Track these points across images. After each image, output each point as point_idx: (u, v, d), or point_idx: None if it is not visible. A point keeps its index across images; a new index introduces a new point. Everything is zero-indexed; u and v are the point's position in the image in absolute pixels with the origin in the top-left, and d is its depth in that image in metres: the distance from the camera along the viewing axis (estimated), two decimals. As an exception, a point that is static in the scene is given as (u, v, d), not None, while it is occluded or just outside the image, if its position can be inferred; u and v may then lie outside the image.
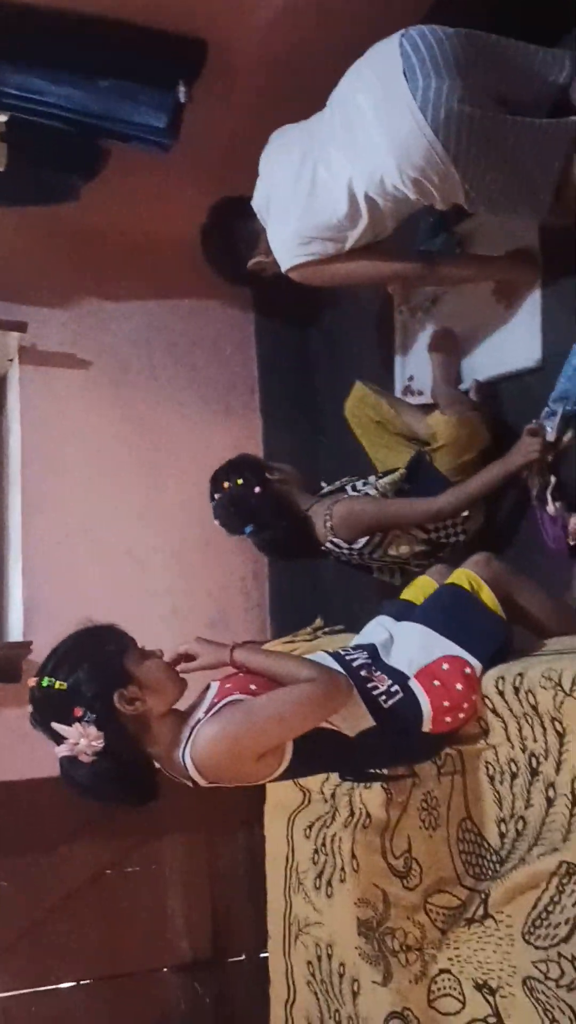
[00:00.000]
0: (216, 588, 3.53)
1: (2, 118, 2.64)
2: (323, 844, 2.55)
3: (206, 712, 1.81)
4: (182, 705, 1.90)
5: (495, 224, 2.62)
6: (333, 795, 2.56)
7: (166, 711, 1.85)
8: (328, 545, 2.63)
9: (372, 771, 2.24)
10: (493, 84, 2.12)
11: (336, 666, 1.98)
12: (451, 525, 2.56)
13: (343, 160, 2.26)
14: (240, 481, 2.62)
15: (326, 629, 3.00)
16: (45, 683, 1.79)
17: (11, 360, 3.38)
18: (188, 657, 1.96)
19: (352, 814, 2.45)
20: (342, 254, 2.41)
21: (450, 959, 2.05)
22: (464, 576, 2.10)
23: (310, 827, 2.62)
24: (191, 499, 3.45)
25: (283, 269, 2.51)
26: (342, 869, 2.44)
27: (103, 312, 3.48)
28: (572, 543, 2.27)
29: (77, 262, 3.44)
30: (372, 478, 2.68)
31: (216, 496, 2.68)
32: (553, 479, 2.30)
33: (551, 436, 2.30)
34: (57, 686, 1.77)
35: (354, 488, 2.69)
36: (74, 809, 3.23)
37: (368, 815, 2.39)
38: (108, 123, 2.69)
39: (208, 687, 1.91)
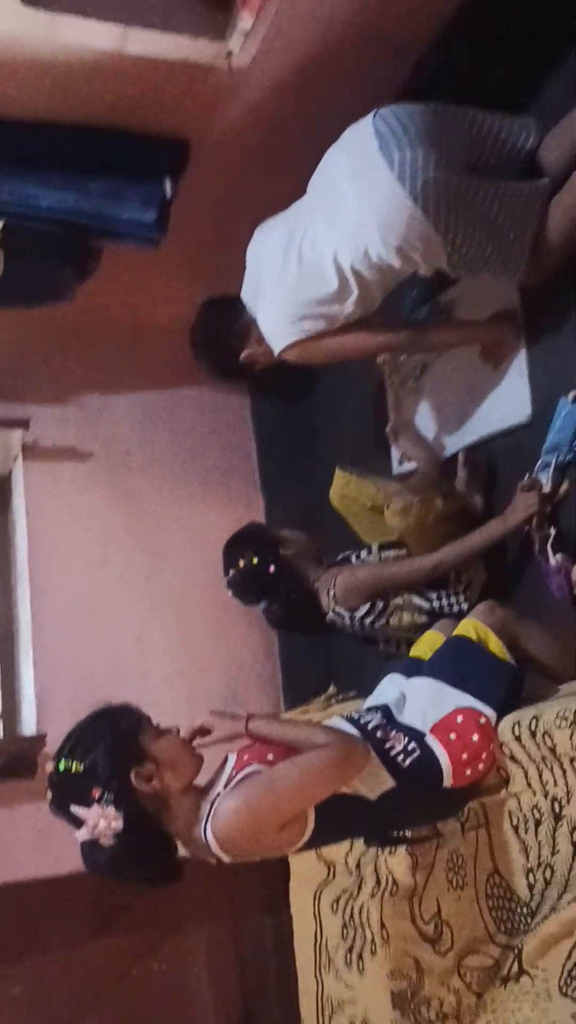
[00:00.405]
0: (227, 666, 3.52)
1: (-2, 224, 2.76)
2: (351, 917, 2.49)
3: (225, 785, 1.82)
4: (200, 781, 1.90)
5: (476, 290, 2.71)
6: (358, 865, 2.52)
7: (184, 788, 1.85)
8: (331, 615, 2.65)
9: (397, 834, 2.22)
10: (464, 152, 2.22)
11: (352, 730, 1.99)
12: (453, 594, 2.58)
13: (326, 236, 2.35)
14: (255, 560, 2.66)
15: (339, 696, 3.00)
16: (62, 766, 1.81)
17: (15, 458, 3.45)
18: (203, 731, 1.97)
19: (379, 883, 2.41)
20: (333, 329, 2.48)
21: (488, 1023, 1.99)
22: (470, 626, 2.12)
23: (336, 901, 2.57)
24: (197, 581, 3.49)
25: (277, 351, 2.56)
26: (372, 941, 2.38)
27: (102, 404, 3.56)
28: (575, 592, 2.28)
29: (75, 358, 3.54)
30: (375, 548, 2.73)
31: (230, 572, 2.72)
32: (553, 530, 2.33)
33: (547, 488, 2.34)
34: (74, 768, 1.79)
35: (357, 557, 2.74)
36: (94, 907, 3.18)
37: (395, 882, 2.35)
38: (99, 222, 2.78)
39: (225, 760, 1.91)
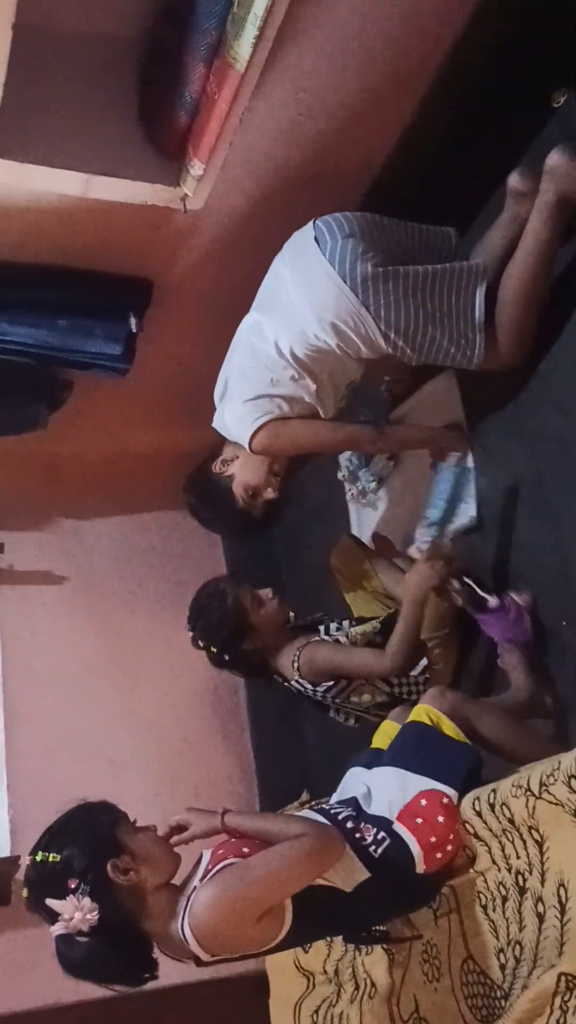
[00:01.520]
0: (202, 787, 3.53)
1: (-31, 364, 2.93)
2: (331, 1027, 2.44)
3: (201, 879, 1.83)
4: (176, 880, 1.91)
5: (423, 407, 2.90)
6: (336, 971, 2.49)
7: (161, 884, 1.86)
8: (294, 684, 2.71)
9: (376, 931, 2.21)
10: (392, 246, 2.43)
11: (323, 821, 2.01)
12: (413, 683, 2.65)
13: (270, 325, 2.51)
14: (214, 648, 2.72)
15: (312, 803, 2.99)
16: (39, 858, 1.82)
17: (-11, 584, 3.54)
18: (180, 828, 2.00)
19: (357, 987, 2.38)
20: (296, 416, 2.57)
21: None
22: (423, 711, 2.17)
23: (316, 1011, 2.52)
24: (171, 703, 3.56)
25: (246, 440, 2.60)
26: (353, 1050, 2.34)
27: (76, 530, 3.70)
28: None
29: (49, 484, 3.69)
30: (346, 623, 2.79)
31: (189, 628, 2.78)
32: (468, 580, 2.51)
33: (428, 541, 2.62)
34: (51, 859, 1.80)
35: (327, 630, 2.78)
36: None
37: (373, 984, 2.32)
38: (68, 355, 2.96)
39: (200, 857, 1.92)
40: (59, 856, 1.80)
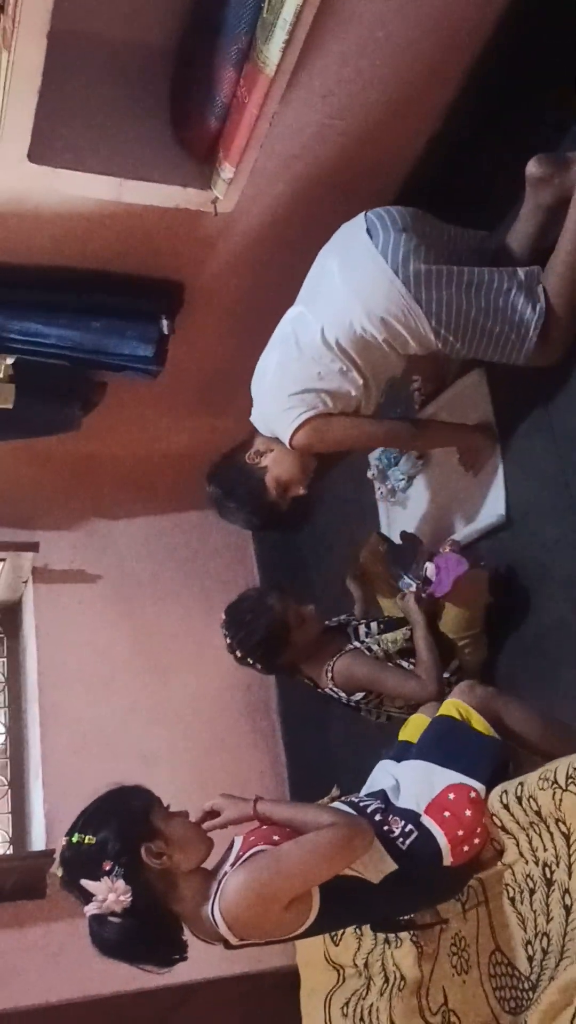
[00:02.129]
0: (234, 783, 3.53)
1: (8, 360, 2.98)
2: (361, 1020, 2.46)
3: (232, 865, 1.86)
4: (208, 865, 1.94)
5: (453, 405, 2.91)
6: (366, 964, 2.51)
7: (193, 869, 1.90)
8: (328, 691, 2.73)
9: (402, 919, 2.23)
10: (441, 244, 2.43)
11: (353, 813, 2.04)
12: (445, 682, 2.66)
13: (316, 317, 2.49)
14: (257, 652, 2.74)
15: (343, 799, 3.02)
16: (75, 839, 1.86)
17: (25, 582, 3.60)
18: (213, 814, 2.03)
19: (387, 980, 2.40)
20: (339, 412, 2.54)
21: None
22: (452, 706, 2.20)
23: (346, 1004, 2.54)
24: (202, 700, 3.59)
25: (288, 436, 2.56)
26: (383, 1041, 2.36)
27: (109, 529, 3.75)
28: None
29: (83, 485, 3.74)
30: (374, 626, 2.80)
31: (227, 638, 2.77)
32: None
33: (414, 588, 2.71)
34: (87, 841, 1.85)
35: (356, 634, 2.79)
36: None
37: (402, 977, 2.34)
38: (102, 356, 3.01)
39: (232, 843, 1.96)
40: (94, 838, 1.84)
